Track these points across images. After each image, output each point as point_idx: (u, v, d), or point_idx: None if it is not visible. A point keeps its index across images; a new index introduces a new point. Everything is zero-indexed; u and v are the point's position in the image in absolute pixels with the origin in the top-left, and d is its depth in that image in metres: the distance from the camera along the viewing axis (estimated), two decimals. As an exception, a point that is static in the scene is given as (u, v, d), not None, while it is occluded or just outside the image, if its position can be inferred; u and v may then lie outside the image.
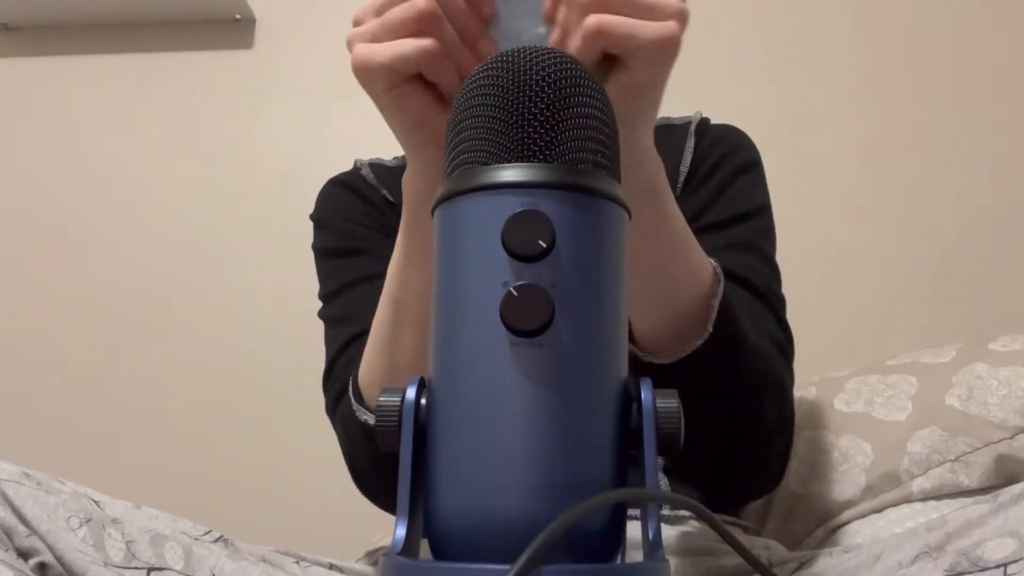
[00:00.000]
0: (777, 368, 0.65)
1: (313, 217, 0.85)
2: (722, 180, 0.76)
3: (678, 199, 0.76)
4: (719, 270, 0.59)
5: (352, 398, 0.64)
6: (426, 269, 0.57)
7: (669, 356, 0.58)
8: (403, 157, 0.88)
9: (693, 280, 0.58)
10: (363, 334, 0.67)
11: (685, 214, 0.75)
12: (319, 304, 0.81)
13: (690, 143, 0.79)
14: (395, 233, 0.81)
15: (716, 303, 0.57)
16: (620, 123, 0.40)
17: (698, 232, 0.73)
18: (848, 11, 1.50)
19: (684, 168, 0.78)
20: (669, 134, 0.82)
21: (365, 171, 0.85)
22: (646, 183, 0.53)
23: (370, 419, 0.62)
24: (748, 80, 1.47)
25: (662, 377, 0.58)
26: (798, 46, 1.49)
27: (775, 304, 0.71)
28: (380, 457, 0.63)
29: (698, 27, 1.65)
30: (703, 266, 0.59)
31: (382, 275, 0.75)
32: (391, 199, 0.82)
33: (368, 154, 0.89)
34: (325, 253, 0.82)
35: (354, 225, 0.81)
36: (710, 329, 0.56)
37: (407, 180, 0.57)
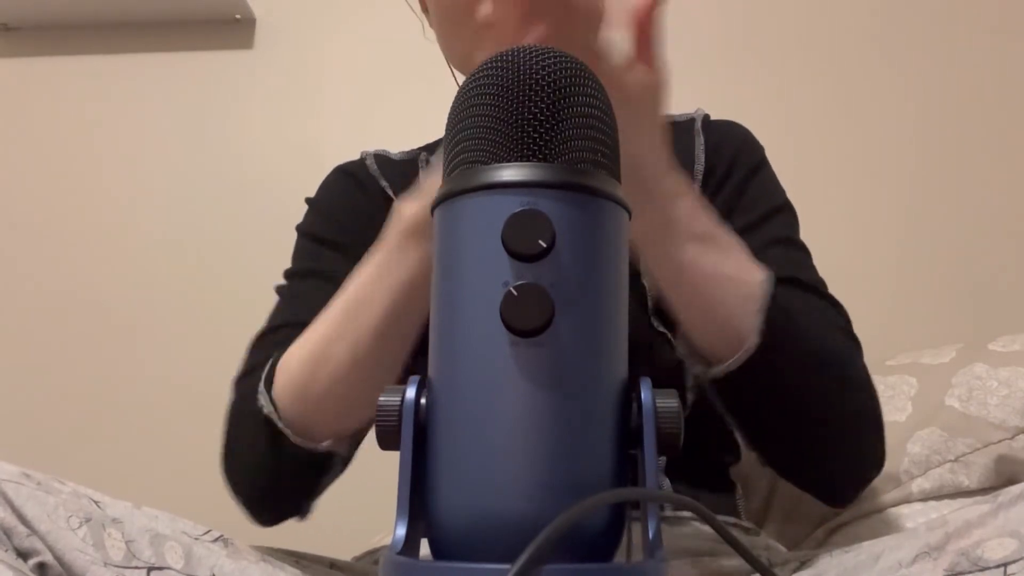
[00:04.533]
0: (850, 358, 0.65)
1: (309, 201, 0.85)
2: (739, 183, 0.77)
3: None
4: (769, 277, 0.58)
5: (262, 380, 0.63)
6: (392, 292, 0.57)
7: (724, 367, 0.58)
8: (408, 151, 0.89)
9: (735, 289, 0.57)
10: (301, 324, 0.67)
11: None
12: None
13: (700, 140, 0.79)
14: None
15: (760, 313, 0.57)
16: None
17: None
18: (851, 10, 1.50)
19: (699, 167, 0.78)
20: (672, 131, 0.82)
21: (369, 161, 0.86)
22: (645, 188, 0.54)
23: (269, 409, 0.62)
24: (747, 80, 1.47)
25: (731, 385, 0.58)
26: (797, 45, 1.49)
27: (822, 289, 0.71)
28: (264, 451, 0.63)
29: (702, 26, 1.65)
30: (746, 273, 0.59)
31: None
32: (390, 193, 0.82)
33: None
34: (307, 236, 0.82)
35: (345, 218, 0.81)
36: (756, 340, 0.56)
37: (409, 203, 0.58)
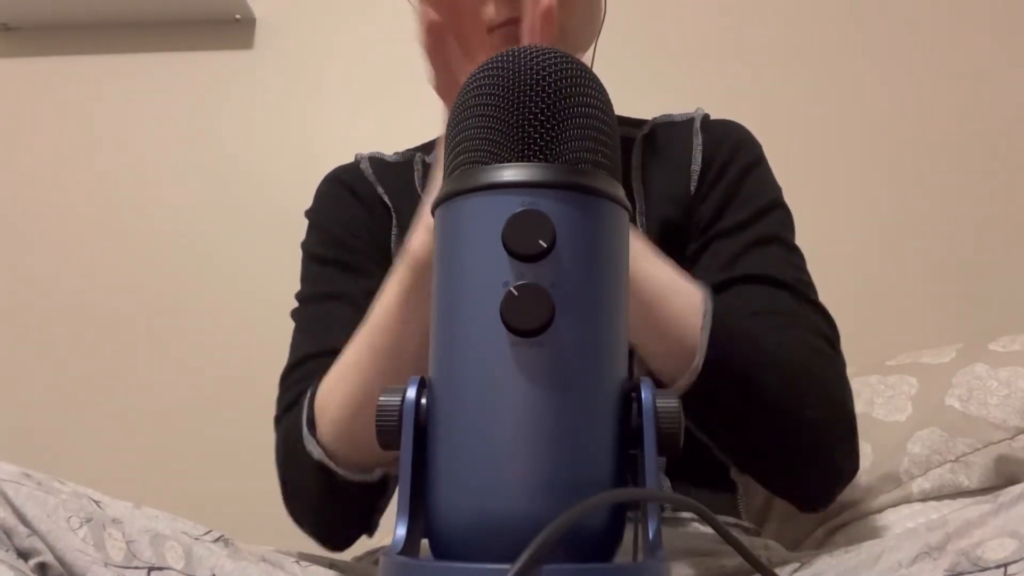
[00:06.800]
0: (812, 370, 0.64)
1: (308, 215, 0.85)
2: (734, 180, 0.76)
3: (692, 199, 0.76)
4: (708, 305, 0.59)
5: (304, 424, 0.65)
6: (412, 322, 0.57)
7: (677, 389, 0.58)
8: (403, 153, 0.89)
9: (685, 302, 0.58)
10: (324, 353, 0.68)
11: (702, 217, 0.75)
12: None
13: (698, 140, 0.79)
14: (386, 237, 0.82)
15: (704, 331, 0.57)
16: None
17: (719, 236, 0.73)
18: (854, 7, 1.50)
19: (696, 167, 0.78)
20: (672, 131, 0.82)
21: (364, 164, 0.85)
22: None
23: (319, 454, 0.63)
24: (749, 77, 1.47)
25: (688, 402, 0.58)
26: (799, 43, 1.49)
27: (805, 292, 0.71)
28: (322, 492, 0.64)
29: (702, 22, 1.64)
30: (691, 287, 0.59)
31: (359, 294, 0.76)
32: (386, 200, 0.82)
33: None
34: (312, 256, 0.82)
35: (345, 233, 0.81)
36: (698, 366, 0.57)
37: (416, 237, 0.58)
